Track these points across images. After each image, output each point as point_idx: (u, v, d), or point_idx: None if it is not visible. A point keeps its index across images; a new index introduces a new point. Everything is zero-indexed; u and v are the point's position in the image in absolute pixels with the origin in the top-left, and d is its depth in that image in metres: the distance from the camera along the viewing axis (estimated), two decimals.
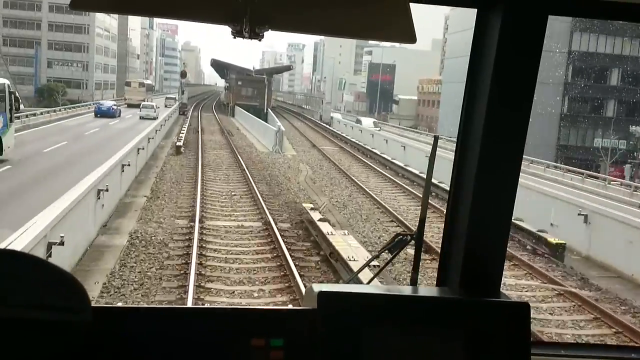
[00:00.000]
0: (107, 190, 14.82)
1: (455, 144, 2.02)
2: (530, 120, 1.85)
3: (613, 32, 44.27)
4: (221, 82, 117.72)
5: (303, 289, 9.92)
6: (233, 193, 20.02)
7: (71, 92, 74.60)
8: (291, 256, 12.34)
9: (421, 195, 4.36)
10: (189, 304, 9.44)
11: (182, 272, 11.51)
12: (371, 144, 39.43)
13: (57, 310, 1.08)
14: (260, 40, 1.40)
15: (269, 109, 60.34)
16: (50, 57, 78.95)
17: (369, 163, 30.96)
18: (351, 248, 12.36)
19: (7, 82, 22.81)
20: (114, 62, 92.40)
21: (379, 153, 34.08)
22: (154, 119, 42.24)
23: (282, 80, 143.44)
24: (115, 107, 51.30)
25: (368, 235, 15.66)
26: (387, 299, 1.80)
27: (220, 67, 72.81)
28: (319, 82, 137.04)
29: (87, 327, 1.13)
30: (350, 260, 11.37)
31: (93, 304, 1.30)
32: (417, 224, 2.05)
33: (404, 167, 28.27)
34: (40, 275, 1.09)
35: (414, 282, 2.07)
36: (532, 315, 1.79)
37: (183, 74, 67.76)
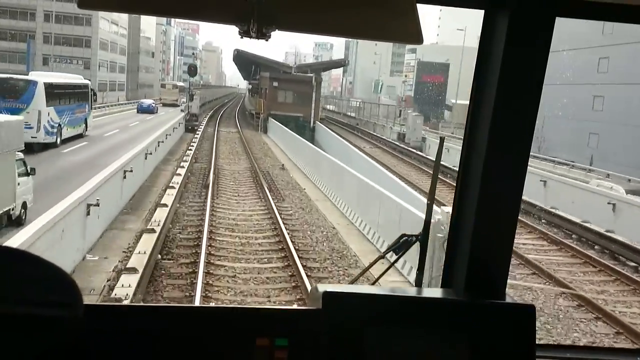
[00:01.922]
0: None
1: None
2: None
3: None
4: (244, 84, 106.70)
5: None
6: None
7: None
8: None
9: None
10: None
11: None
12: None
13: (46, 306, 1.05)
14: (267, 40, 1.41)
15: (317, 122, 43.99)
16: (45, 53, 67.60)
17: None
18: None
19: (89, 82, 36.76)
20: (122, 59, 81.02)
21: None
22: None
23: None
24: (154, 105, 59.87)
25: None
26: (391, 300, 1.78)
27: (245, 62, 53.77)
28: (351, 84, 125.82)
29: (79, 324, 1.09)
30: None
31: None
32: (423, 225, 2.06)
33: None
34: (31, 271, 1.07)
35: (418, 284, 2.11)
36: None
37: (192, 70, 46.05)
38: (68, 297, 1.08)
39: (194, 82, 49.46)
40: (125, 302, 8.19)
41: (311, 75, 49.34)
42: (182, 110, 50.29)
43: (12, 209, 13.67)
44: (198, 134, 37.11)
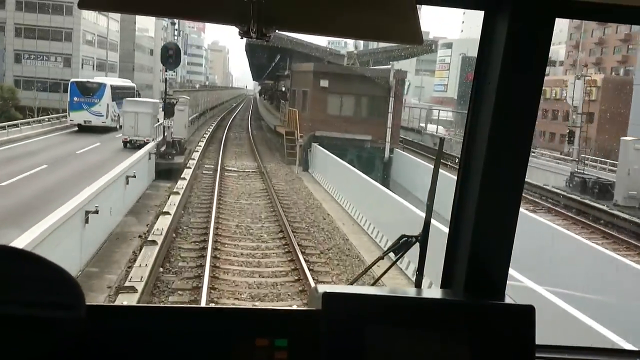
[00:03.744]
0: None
1: None
2: None
3: None
4: (252, 85, 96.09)
5: None
6: None
7: (48, 97, 52.55)
8: None
9: None
10: None
11: None
12: None
13: (49, 307, 1.06)
14: (267, 41, 1.41)
15: (395, 149, 26.39)
16: (18, 48, 56.47)
17: None
18: None
19: (134, 85, 50.89)
20: (113, 57, 69.69)
21: None
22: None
23: None
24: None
25: None
26: (391, 301, 1.78)
27: (265, 51, 34.04)
28: None
29: (81, 325, 1.11)
30: None
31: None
32: (422, 227, 2.03)
33: None
34: (34, 271, 1.08)
35: (418, 284, 2.09)
36: None
37: (168, 57, 26.88)
38: (71, 298, 1.07)
39: (176, 80, 37.92)
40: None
41: (388, 67, 29.36)
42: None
43: (150, 139, 28.89)
44: (180, 189, 19.22)
